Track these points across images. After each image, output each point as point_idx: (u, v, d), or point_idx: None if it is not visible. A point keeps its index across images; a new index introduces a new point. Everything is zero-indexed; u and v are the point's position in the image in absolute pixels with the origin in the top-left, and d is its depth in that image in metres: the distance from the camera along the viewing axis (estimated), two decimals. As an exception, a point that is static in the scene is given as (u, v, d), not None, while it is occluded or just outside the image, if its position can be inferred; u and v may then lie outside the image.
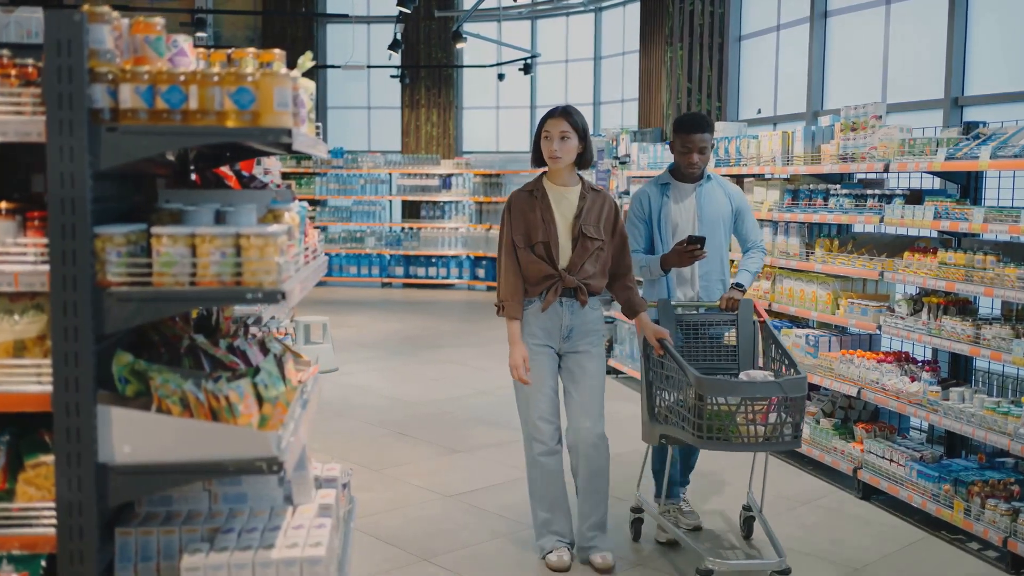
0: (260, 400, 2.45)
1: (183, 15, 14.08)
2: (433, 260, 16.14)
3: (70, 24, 2.20)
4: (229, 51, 2.85)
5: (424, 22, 17.17)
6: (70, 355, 2.26)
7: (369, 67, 17.55)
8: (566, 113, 4.36)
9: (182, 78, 2.29)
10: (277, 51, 2.91)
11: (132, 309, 2.29)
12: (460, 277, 15.99)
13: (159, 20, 2.42)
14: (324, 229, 16.54)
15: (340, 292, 15.50)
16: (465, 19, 15.47)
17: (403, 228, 16.45)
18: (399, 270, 16.31)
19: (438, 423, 7.32)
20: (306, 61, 2.80)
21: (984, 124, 5.23)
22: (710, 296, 4.92)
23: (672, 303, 4.78)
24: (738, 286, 4.85)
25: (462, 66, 17.46)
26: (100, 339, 2.33)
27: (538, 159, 4.45)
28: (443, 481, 5.87)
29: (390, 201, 16.62)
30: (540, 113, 18.13)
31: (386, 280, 16.33)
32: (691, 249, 4.61)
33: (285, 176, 15.01)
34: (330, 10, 17.98)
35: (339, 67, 16.91)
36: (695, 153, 4.76)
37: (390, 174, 16.41)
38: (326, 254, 16.11)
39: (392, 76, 17.34)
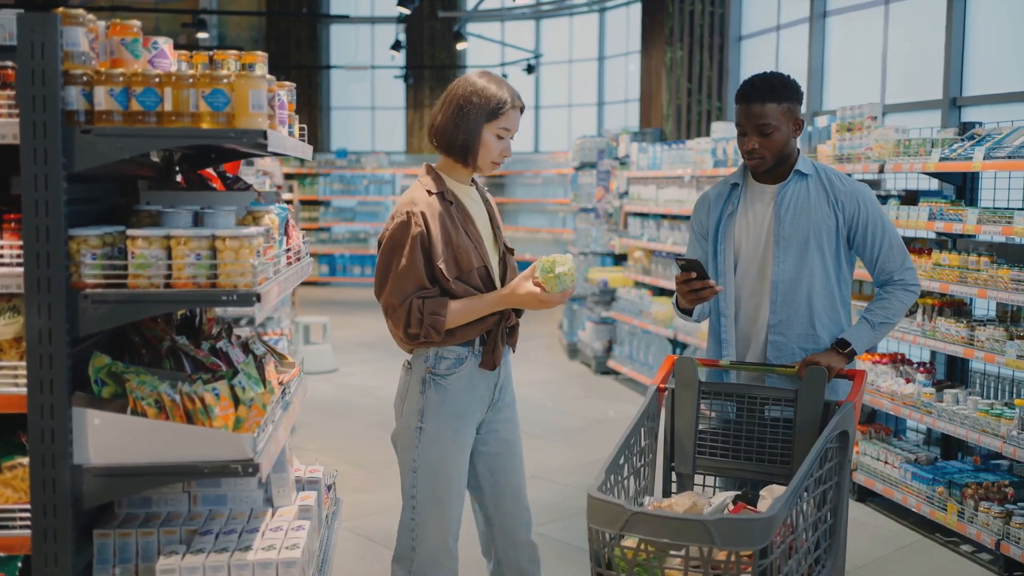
0: (237, 402, 2.45)
1: (185, 16, 14.10)
2: (436, 260, 16.12)
3: (44, 27, 2.20)
4: (211, 53, 2.86)
5: (428, 22, 17.18)
6: (44, 357, 2.26)
7: (372, 67, 17.58)
8: (524, 108, 3.07)
9: (157, 80, 2.29)
10: (260, 53, 2.91)
11: (107, 311, 2.29)
12: (463, 278, 15.96)
13: (135, 23, 2.43)
14: (328, 230, 16.58)
15: (343, 292, 15.51)
16: (467, 20, 15.47)
17: (407, 229, 16.42)
18: (403, 270, 16.30)
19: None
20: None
21: (980, 125, 5.21)
22: (783, 360, 3.23)
23: (693, 361, 3.16)
24: (839, 345, 3.17)
25: (465, 66, 17.46)
26: (76, 341, 2.33)
27: (454, 148, 2.97)
28: (438, 482, 5.86)
29: (394, 202, 16.59)
30: (544, 114, 18.33)
31: (390, 281, 16.31)
32: (683, 279, 3.08)
33: (288, 177, 15.06)
34: (333, 11, 18.00)
35: (342, 68, 16.94)
36: (752, 135, 3.16)
37: (394, 174, 16.42)
38: (330, 255, 16.07)
39: (396, 76, 17.36)
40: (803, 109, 3.30)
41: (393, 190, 16.43)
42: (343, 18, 17.40)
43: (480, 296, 2.92)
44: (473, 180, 3.12)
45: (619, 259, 9.59)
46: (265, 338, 5.74)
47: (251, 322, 5.07)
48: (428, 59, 17.55)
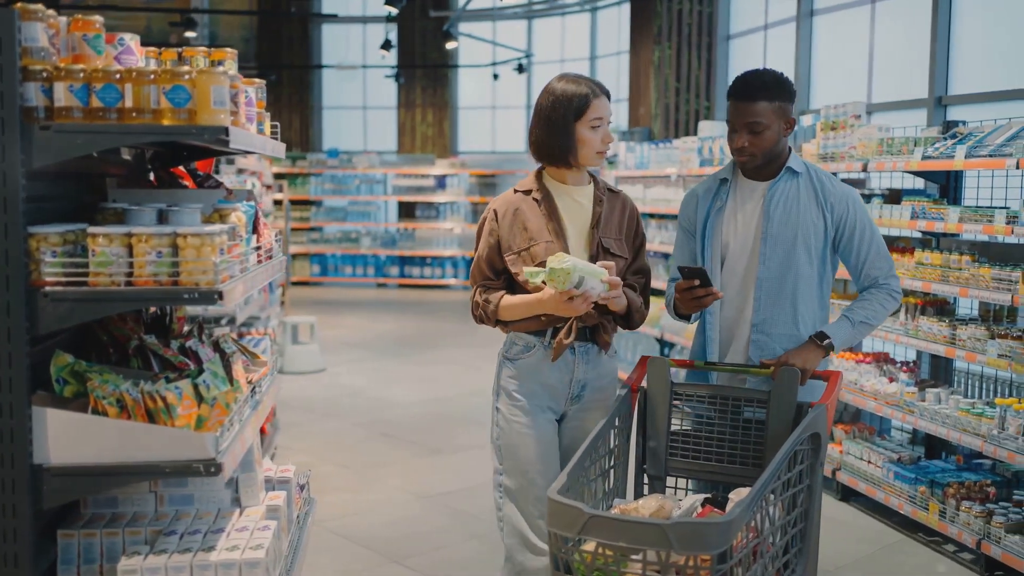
0: (200, 401, 2.42)
1: (174, 15, 14.06)
2: (428, 260, 16.12)
3: (1, 22, 2.17)
4: (180, 50, 2.83)
5: (419, 22, 17.16)
6: (3, 355, 2.24)
7: (364, 67, 17.55)
8: (608, 92, 3.10)
9: (117, 76, 2.27)
10: (229, 50, 2.89)
11: (67, 309, 2.27)
12: (455, 277, 15.96)
13: (97, 18, 2.40)
14: (319, 229, 16.55)
15: (335, 292, 15.49)
16: (456, 19, 15.44)
17: (398, 228, 16.43)
18: (394, 270, 16.30)
19: (424, 424, 7.30)
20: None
21: (963, 123, 5.20)
22: (765, 359, 3.18)
23: (670, 361, 3.11)
24: (817, 337, 3.12)
25: (457, 66, 17.44)
26: (37, 340, 2.31)
27: (555, 155, 3.06)
28: (422, 482, 5.85)
29: (385, 201, 16.61)
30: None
31: (381, 280, 16.31)
32: (686, 286, 3.02)
33: (278, 176, 15.02)
34: (325, 10, 17.97)
35: (334, 67, 16.91)
36: (742, 133, 3.13)
37: (385, 174, 16.39)
38: (321, 254, 16.00)
39: (387, 76, 17.33)
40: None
41: (385, 190, 16.41)
42: (334, 17, 17.35)
43: (527, 296, 3.00)
44: (594, 180, 3.19)
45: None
46: (247, 338, 5.70)
47: (231, 321, 5.04)
48: (420, 58, 17.52)
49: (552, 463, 3.05)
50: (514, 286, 3.09)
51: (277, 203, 11.91)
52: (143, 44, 2.66)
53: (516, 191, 3.14)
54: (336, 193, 16.48)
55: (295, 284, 15.43)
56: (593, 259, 3.05)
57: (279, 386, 3.24)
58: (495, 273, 3.10)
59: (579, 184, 3.14)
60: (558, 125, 3.02)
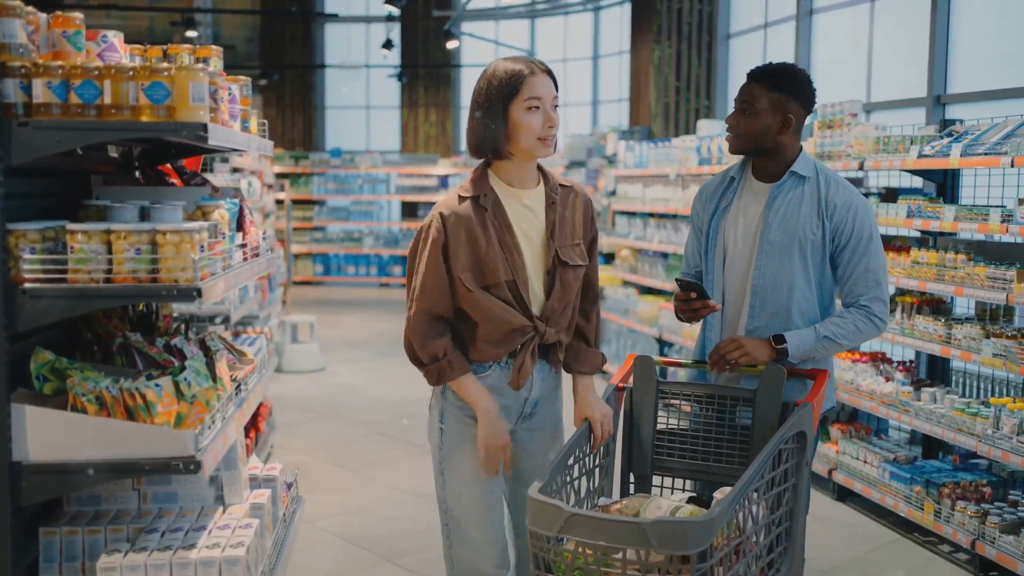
0: (181, 398, 2.42)
1: (176, 15, 14.10)
2: (431, 260, 16.09)
3: (-22, 18, 2.17)
4: (165, 47, 2.83)
5: (422, 21, 17.16)
6: (-19, 352, 2.24)
7: (367, 67, 17.56)
8: (549, 71, 2.71)
9: (96, 73, 2.27)
10: (215, 48, 2.89)
11: (45, 306, 2.27)
12: (457, 277, 15.91)
13: (78, 15, 2.40)
14: (322, 229, 16.56)
15: (337, 292, 15.49)
16: (459, 18, 15.42)
17: (401, 228, 16.43)
18: (397, 270, 16.28)
19: (421, 423, 7.22)
20: None
21: (960, 122, 5.18)
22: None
23: (655, 360, 3.01)
24: (775, 339, 2.98)
25: (460, 65, 17.44)
26: (16, 337, 2.31)
27: (489, 144, 2.68)
28: (417, 481, 5.83)
29: (388, 201, 16.60)
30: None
31: (384, 280, 16.31)
32: (683, 297, 3.01)
33: (280, 176, 15.03)
34: (328, 10, 17.98)
35: (337, 67, 16.92)
36: (736, 112, 3.08)
37: (388, 174, 16.39)
38: (324, 254, 15.92)
39: (389, 76, 17.34)
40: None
41: (387, 189, 16.40)
42: (336, 17, 17.36)
43: (478, 386, 2.71)
44: (544, 177, 2.79)
45: (608, 258, 9.55)
46: (243, 336, 5.70)
47: (226, 320, 5.04)
48: (423, 58, 17.52)
49: (489, 489, 2.81)
50: (465, 317, 2.73)
51: (279, 202, 11.91)
52: (145, 44, 2.65)
53: (462, 198, 2.69)
54: (339, 193, 16.49)
55: (298, 284, 15.43)
56: (551, 275, 2.72)
57: (267, 384, 3.24)
58: (445, 298, 2.69)
59: (528, 185, 2.74)
60: (490, 110, 2.64)
